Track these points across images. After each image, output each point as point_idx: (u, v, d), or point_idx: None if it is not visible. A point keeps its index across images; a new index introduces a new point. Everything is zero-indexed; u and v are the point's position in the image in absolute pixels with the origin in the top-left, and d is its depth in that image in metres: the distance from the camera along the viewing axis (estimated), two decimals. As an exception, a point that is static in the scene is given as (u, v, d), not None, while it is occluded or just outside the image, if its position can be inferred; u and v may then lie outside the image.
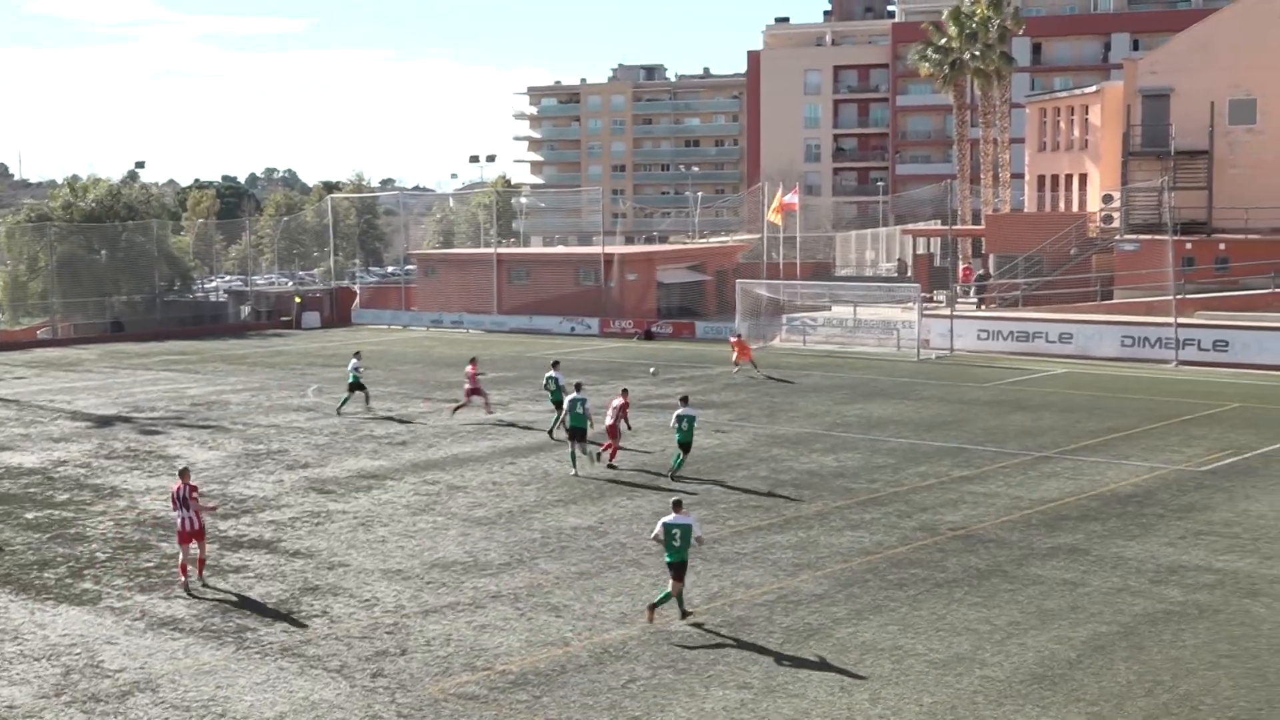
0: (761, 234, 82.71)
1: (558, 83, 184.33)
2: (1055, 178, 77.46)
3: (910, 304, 60.62)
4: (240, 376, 55.52)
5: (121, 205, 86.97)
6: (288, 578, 24.15)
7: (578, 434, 33.14)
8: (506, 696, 18.21)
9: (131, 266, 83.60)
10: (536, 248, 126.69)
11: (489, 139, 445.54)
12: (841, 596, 22.46)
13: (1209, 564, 24.21)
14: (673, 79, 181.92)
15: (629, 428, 34.69)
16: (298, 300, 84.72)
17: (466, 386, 42.47)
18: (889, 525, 27.41)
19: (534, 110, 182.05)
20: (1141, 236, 64.55)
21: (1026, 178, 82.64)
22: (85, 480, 33.62)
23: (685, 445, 32.29)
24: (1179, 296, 55.46)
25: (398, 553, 25.77)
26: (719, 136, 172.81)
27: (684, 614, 21.24)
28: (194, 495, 23.90)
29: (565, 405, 34.16)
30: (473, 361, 43.62)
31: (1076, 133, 75.57)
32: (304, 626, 21.30)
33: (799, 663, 19.29)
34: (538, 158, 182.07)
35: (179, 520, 23.73)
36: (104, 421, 43.57)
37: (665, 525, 21.20)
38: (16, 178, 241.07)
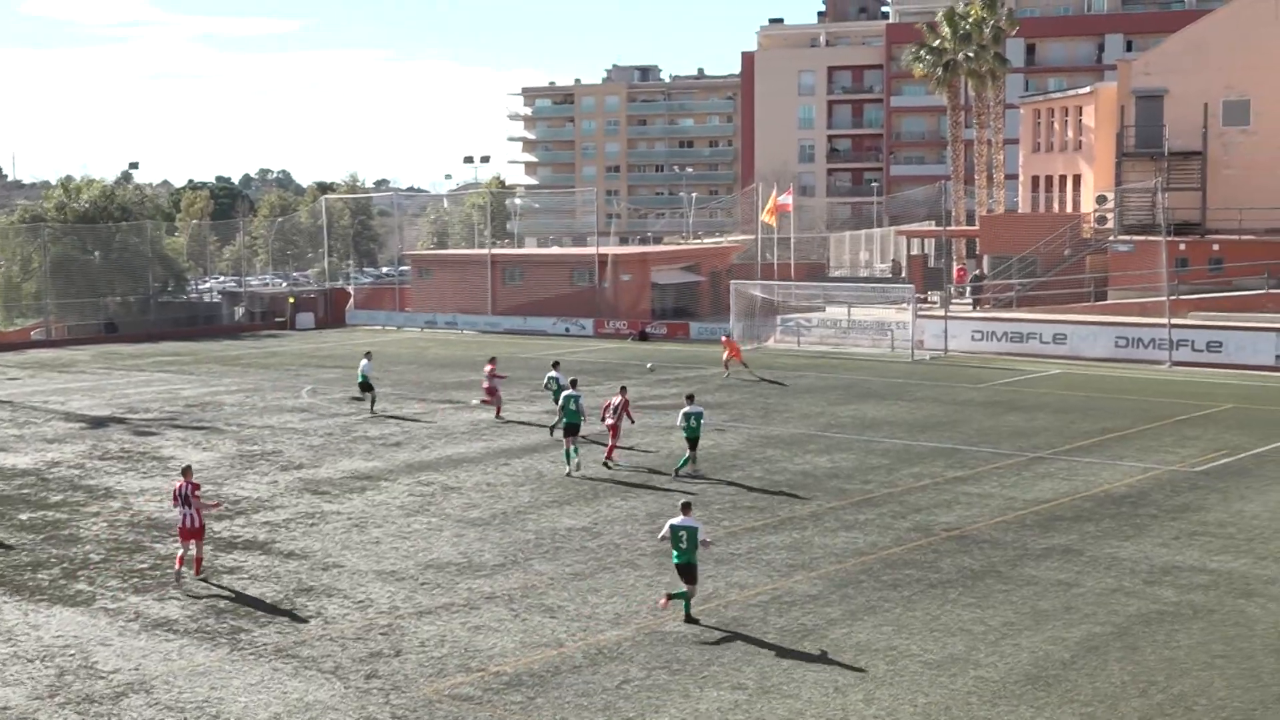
0: (756, 235, 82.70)
1: (552, 83, 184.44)
2: (1049, 178, 77.49)
3: (904, 305, 60.64)
4: (234, 378, 55.48)
5: (115, 206, 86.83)
6: (282, 579, 24.13)
7: (572, 430, 33.34)
8: (501, 697, 18.21)
9: (125, 267, 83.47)
10: (531, 249, 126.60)
11: (483, 140, 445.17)
12: (836, 597, 22.46)
13: (1203, 564, 24.24)
14: (667, 80, 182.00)
15: (632, 423, 35.03)
16: (291, 301, 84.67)
17: (485, 385, 42.63)
18: (883, 526, 27.43)
19: (528, 111, 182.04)
20: (1135, 237, 64.57)
21: (1020, 178, 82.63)
22: (79, 481, 33.58)
23: (693, 442, 32.60)
24: (1173, 297, 55.53)
25: (392, 554, 25.76)
26: (713, 137, 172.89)
27: (688, 618, 21.22)
28: (196, 494, 24.02)
29: (559, 402, 34.35)
30: (491, 361, 43.65)
31: (1070, 134, 75.61)
32: (298, 628, 21.29)
33: (793, 663, 19.30)
34: (532, 158, 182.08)
35: (181, 517, 23.93)
36: (98, 423, 43.52)
37: (672, 527, 21.32)
38: (10, 178, 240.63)
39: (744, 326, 64.18)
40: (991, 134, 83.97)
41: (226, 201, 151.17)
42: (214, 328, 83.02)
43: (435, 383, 51.82)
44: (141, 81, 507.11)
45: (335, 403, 46.76)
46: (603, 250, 79.44)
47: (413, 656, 19.84)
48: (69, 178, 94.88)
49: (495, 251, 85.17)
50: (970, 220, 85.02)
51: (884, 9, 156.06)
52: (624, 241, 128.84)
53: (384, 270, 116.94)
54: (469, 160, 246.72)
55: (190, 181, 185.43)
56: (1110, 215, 67.70)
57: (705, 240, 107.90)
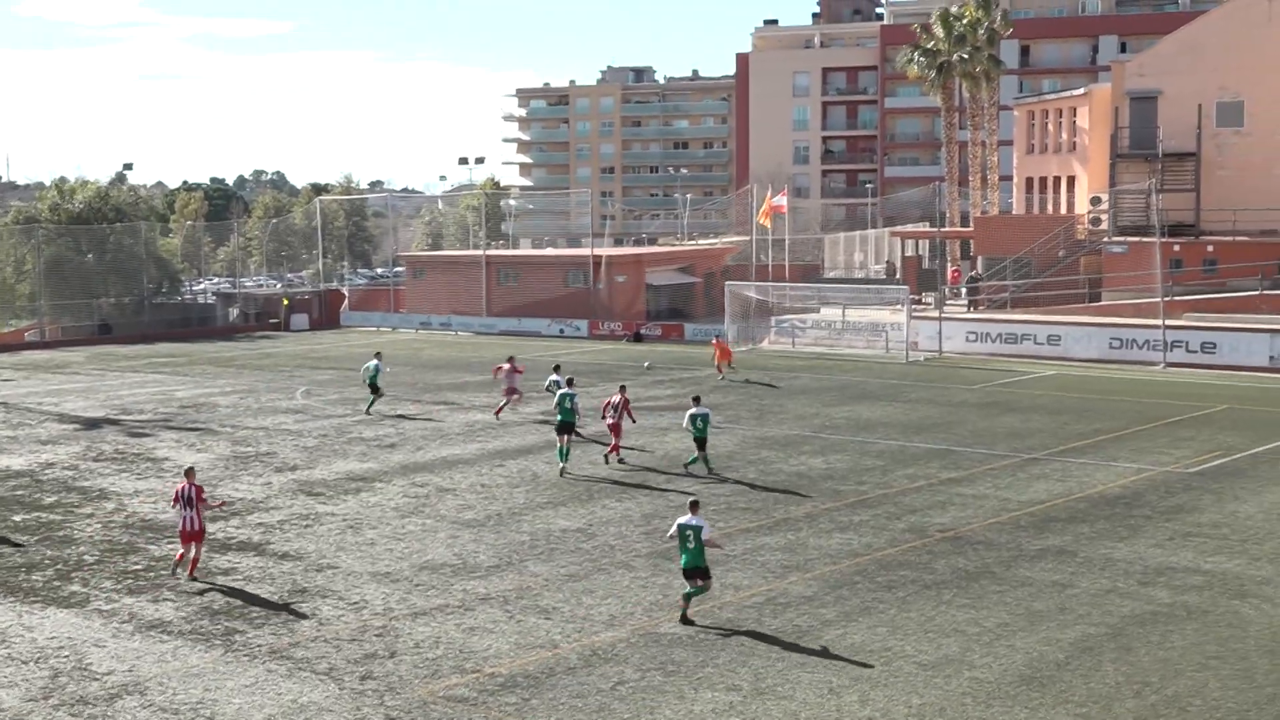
0: (750, 236, 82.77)
1: (546, 84, 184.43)
2: (1043, 180, 77.58)
3: (899, 306, 60.67)
4: (229, 379, 55.44)
5: (109, 207, 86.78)
6: (276, 580, 24.11)
7: (565, 428, 33.48)
8: (495, 699, 18.21)
9: (119, 269, 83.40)
10: (525, 250, 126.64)
11: (477, 141, 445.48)
12: (830, 598, 22.47)
13: (1197, 565, 24.27)
14: (661, 81, 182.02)
15: (633, 422, 35.26)
16: (286, 303, 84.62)
17: (505, 386, 42.68)
18: (878, 527, 27.44)
19: (522, 112, 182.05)
20: (1129, 238, 64.65)
21: (1015, 180, 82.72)
22: (73, 483, 33.55)
23: (700, 442, 32.74)
24: (1167, 298, 55.58)
25: (386, 555, 25.75)
26: (708, 138, 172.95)
27: (684, 618, 21.24)
28: (201, 497, 24.09)
29: (555, 400, 34.50)
30: (510, 360, 43.41)
31: (1065, 135, 75.69)
32: (293, 629, 21.27)
33: (788, 665, 19.30)
34: (526, 160, 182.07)
35: (181, 520, 24.04)
36: (92, 424, 43.48)
37: (680, 526, 21.36)
38: (4, 179, 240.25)
39: (739, 328, 64.23)
40: (986, 135, 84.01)
41: (221, 202, 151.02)
42: (208, 329, 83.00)
43: (430, 384, 51.81)
44: (135, 82, 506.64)
45: (330, 404, 46.75)
46: (597, 251, 79.46)
47: (407, 658, 19.83)
48: (63, 179, 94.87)
49: (490, 253, 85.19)
50: (965, 222, 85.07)
51: (878, 10, 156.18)
52: (619, 243, 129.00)
53: (379, 272, 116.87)
54: (464, 161, 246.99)
55: (185, 182, 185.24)
56: (1104, 216, 67.78)
57: (700, 242, 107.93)
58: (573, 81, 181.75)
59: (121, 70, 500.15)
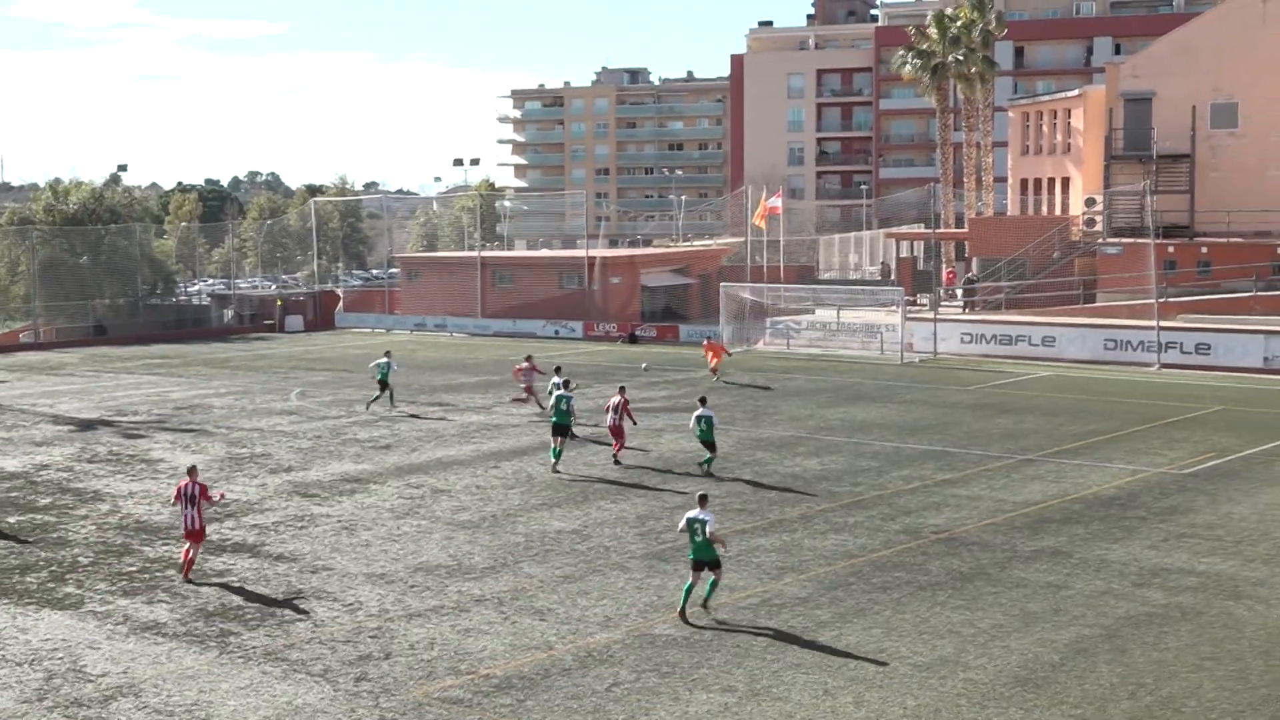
0: (745, 237, 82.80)
1: (541, 86, 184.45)
2: (1038, 181, 77.66)
3: (894, 307, 60.73)
4: (223, 380, 55.38)
5: (104, 208, 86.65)
6: (271, 582, 24.09)
7: (560, 430, 33.58)
8: (490, 700, 18.20)
9: (114, 270, 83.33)
10: (520, 251, 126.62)
11: (472, 142, 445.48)
12: (825, 600, 22.48)
13: (1191, 566, 24.29)
14: (656, 82, 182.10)
15: (634, 423, 35.47)
16: (280, 304, 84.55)
17: (523, 385, 42.83)
18: (872, 528, 27.45)
19: (517, 113, 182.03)
20: (1124, 240, 64.74)
21: (1009, 181, 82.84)
22: (67, 484, 33.50)
23: (706, 444, 32.95)
24: (1161, 300, 55.64)
25: (381, 556, 25.73)
26: (702, 140, 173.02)
27: (682, 612, 21.26)
28: (206, 495, 24.23)
29: (551, 401, 34.59)
30: (528, 359, 43.79)
31: (1059, 136, 75.77)
32: (288, 631, 21.25)
33: (783, 666, 19.31)
34: (521, 161, 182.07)
35: (184, 518, 24.17)
36: (86, 425, 43.42)
37: (689, 520, 21.57)
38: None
39: (734, 329, 64.23)
40: (980, 137, 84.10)
41: (215, 204, 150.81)
42: (203, 330, 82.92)
43: (425, 385, 51.77)
44: (130, 83, 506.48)
45: (325, 405, 46.72)
46: (592, 253, 79.44)
47: (402, 659, 19.82)
48: (57, 180, 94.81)
49: (485, 254, 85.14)
50: (959, 223, 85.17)
51: (873, 12, 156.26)
52: (613, 244, 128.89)
53: (373, 273, 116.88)
54: (458, 163, 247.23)
55: (179, 184, 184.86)
56: (1099, 218, 67.86)
57: (695, 243, 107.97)
58: (567, 83, 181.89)
59: (116, 71, 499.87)
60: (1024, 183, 79.52)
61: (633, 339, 69.66)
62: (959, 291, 71.20)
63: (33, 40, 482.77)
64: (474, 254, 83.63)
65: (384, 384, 44.79)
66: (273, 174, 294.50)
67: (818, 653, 19.83)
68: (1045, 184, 76.77)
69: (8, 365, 63.93)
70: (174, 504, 24.58)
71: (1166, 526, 27.30)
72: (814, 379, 52.16)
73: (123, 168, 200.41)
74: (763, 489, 31.44)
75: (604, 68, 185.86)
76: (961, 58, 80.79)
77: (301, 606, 22.52)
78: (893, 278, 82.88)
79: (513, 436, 39.37)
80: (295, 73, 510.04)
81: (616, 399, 34.70)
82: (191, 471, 24.89)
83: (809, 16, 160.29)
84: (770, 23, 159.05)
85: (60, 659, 20.14)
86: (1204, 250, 64.09)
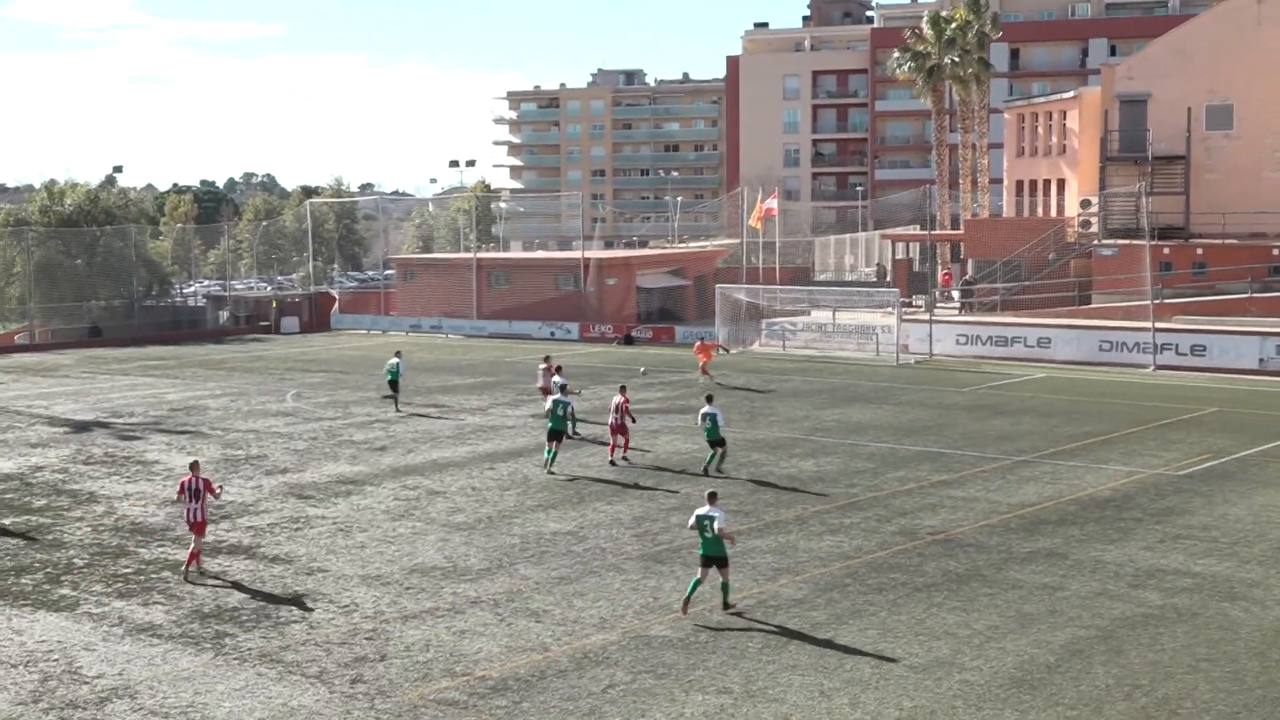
0: (741, 239, 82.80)
1: (537, 87, 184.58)
2: (1033, 183, 77.67)
3: (889, 309, 60.74)
4: (219, 382, 55.35)
5: (99, 210, 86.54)
6: (266, 583, 24.07)
7: (555, 435, 33.66)
8: (486, 702, 18.19)
9: (109, 271, 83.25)
10: (516, 252, 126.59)
11: (468, 144, 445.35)
12: (821, 601, 22.48)
13: (1187, 568, 24.31)
14: (652, 84, 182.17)
15: (633, 421, 35.52)
16: (275, 305, 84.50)
17: (539, 384, 42.90)
18: (868, 530, 27.46)
19: (513, 115, 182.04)
20: (1119, 241, 64.76)
21: (1005, 183, 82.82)
22: (63, 486, 33.47)
23: (713, 442, 33.03)
24: (1156, 301, 55.69)
25: (377, 558, 25.71)
26: (698, 141, 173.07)
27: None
28: (211, 488, 24.43)
29: (548, 405, 34.68)
30: (546, 359, 44.12)
31: (1054, 138, 75.79)
32: (283, 632, 21.23)
33: (779, 667, 19.30)
34: (517, 162, 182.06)
35: (186, 510, 24.41)
36: (82, 427, 43.39)
37: (698, 516, 21.74)
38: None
39: (729, 330, 64.26)
40: (976, 138, 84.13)
41: (211, 205, 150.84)
42: (198, 332, 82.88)
43: (420, 387, 51.72)
44: (125, 84, 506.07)
45: (320, 407, 46.69)
46: (588, 254, 79.47)
47: (398, 661, 19.80)
48: (53, 181, 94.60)
49: (480, 255, 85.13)
50: (955, 225, 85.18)
51: (868, 13, 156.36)
52: (609, 245, 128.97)
53: (369, 274, 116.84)
54: (454, 164, 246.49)
55: (175, 185, 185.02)
56: (1094, 219, 67.91)
57: (690, 244, 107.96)
58: (563, 84, 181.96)
59: (112, 72, 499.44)
60: (1019, 184, 79.52)
61: (628, 340, 69.66)
62: (955, 293, 71.23)
63: (28, 41, 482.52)
64: (469, 255, 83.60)
65: (394, 384, 45.02)
66: (268, 175, 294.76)
67: (814, 654, 19.83)
68: (1040, 186, 76.78)
69: (3, 367, 63.87)
70: (178, 498, 24.75)
71: (1162, 528, 27.32)
72: (810, 380, 52.18)
73: (118, 169, 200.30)
74: (758, 490, 31.44)
75: (599, 69, 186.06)
76: (957, 59, 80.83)
77: (297, 608, 22.50)
78: (888, 279, 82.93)
79: (508, 438, 39.36)
80: (291, 74, 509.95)
81: (618, 398, 34.76)
82: (194, 466, 25.09)
83: (804, 18, 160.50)
84: (766, 24, 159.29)
85: (56, 661, 20.11)
86: (1199, 252, 64.14)
